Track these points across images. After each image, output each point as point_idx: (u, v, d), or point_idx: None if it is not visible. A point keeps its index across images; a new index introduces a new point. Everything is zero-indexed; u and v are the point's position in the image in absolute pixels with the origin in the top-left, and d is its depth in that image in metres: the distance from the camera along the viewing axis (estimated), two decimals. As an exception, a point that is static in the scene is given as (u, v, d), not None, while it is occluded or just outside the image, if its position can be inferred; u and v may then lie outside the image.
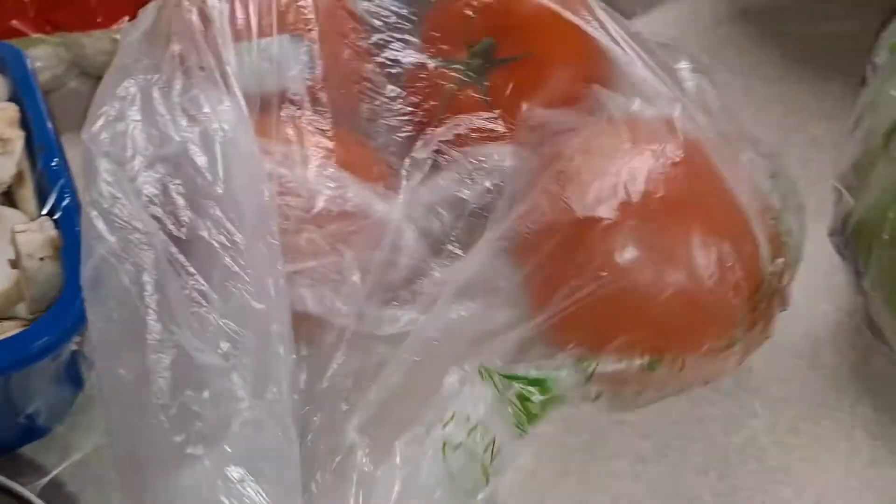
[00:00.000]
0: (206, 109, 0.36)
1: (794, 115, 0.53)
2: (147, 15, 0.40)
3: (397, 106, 0.39)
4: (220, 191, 0.33)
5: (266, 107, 0.37)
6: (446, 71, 0.40)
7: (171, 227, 0.33)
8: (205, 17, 0.38)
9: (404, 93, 0.40)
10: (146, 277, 0.31)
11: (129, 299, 0.31)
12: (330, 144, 0.37)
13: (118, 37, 0.53)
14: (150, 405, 0.29)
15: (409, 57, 0.41)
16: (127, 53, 0.39)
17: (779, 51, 0.57)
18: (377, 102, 0.40)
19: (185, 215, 0.33)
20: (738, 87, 0.56)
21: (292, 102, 0.38)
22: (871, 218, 0.34)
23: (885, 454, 0.38)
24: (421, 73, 0.40)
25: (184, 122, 0.36)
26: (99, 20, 0.52)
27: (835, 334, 0.43)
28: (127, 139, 0.35)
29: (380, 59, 0.41)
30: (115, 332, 0.32)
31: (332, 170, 0.36)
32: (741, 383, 0.41)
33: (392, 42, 0.41)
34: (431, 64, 0.41)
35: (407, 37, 0.42)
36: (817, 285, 0.44)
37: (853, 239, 0.36)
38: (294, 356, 0.32)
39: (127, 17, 0.52)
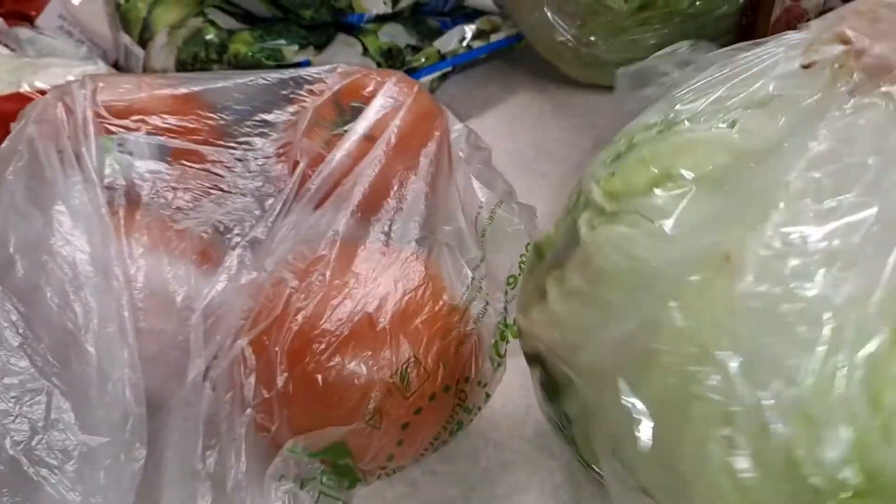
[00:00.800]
0: (59, 188, 0.40)
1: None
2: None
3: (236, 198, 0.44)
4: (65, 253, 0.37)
5: (118, 196, 0.42)
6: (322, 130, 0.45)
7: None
8: (67, 109, 0.43)
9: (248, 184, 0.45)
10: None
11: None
12: (169, 233, 0.42)
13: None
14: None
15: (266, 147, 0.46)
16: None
17: (592, 141, 0.65)
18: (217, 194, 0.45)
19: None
20: (558, 175, 0.63)
21: (141, 194, 0.42)
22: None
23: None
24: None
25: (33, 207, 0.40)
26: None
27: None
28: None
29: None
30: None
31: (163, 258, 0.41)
32: (541, 430, 0.46)
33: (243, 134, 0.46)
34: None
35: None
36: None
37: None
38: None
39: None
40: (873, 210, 0.30)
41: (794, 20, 0.59)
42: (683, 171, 0.33)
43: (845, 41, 0.34)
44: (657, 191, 0.33)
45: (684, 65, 0.40)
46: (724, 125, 0.34)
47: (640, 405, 0.31)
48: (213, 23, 0.67)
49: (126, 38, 0.69)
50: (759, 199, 0.31)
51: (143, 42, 0.68)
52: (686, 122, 0.35)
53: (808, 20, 0.58)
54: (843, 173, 0.31)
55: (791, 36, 0.36)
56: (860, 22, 0.34)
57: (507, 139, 0.66)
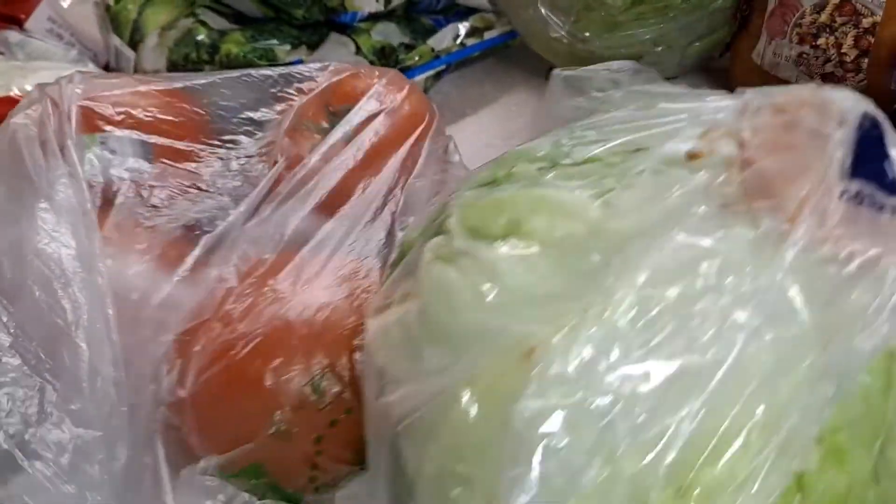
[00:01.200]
0: (42, 183, 0.39)
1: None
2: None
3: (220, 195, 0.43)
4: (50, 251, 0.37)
5: (100, 193, 0.41)
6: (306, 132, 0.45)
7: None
8: (53, 103, 0.43)
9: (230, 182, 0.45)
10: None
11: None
12: (136, 230, 0.41)
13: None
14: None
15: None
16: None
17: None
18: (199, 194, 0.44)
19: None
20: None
21: (116, 192, 0.42)
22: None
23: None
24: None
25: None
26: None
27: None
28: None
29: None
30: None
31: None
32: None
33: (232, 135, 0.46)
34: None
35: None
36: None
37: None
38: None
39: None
40: (675, 364, 0.27)
41: (789, 14, 0.58)
42: (533, 230, 0.30)
43: (740, 143, 0.30)
44: (501, 245, 0.30)
45: (620, 86, 0.38)
46: (590, 193, 0.31)
47: (415, 479, 0.29)
48: (204, 23, 0.66)
49: (116, 40, 0.69)
50: (585, 300, 0.28)
51: (134, 44, 0.68)
52: (553, 175, 0.32)
53: (804, 13, 0.57)
54: (671, 307, 0.27)
55: (722, 103, 0.33)
56: (773, 121, 0.31)
57: (502, 137, 0.66)
